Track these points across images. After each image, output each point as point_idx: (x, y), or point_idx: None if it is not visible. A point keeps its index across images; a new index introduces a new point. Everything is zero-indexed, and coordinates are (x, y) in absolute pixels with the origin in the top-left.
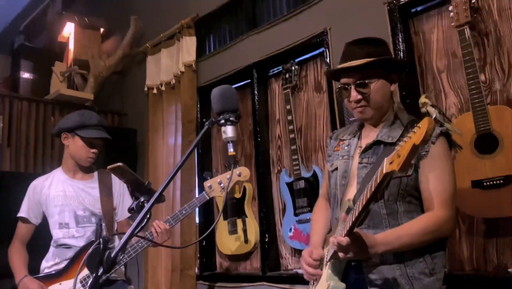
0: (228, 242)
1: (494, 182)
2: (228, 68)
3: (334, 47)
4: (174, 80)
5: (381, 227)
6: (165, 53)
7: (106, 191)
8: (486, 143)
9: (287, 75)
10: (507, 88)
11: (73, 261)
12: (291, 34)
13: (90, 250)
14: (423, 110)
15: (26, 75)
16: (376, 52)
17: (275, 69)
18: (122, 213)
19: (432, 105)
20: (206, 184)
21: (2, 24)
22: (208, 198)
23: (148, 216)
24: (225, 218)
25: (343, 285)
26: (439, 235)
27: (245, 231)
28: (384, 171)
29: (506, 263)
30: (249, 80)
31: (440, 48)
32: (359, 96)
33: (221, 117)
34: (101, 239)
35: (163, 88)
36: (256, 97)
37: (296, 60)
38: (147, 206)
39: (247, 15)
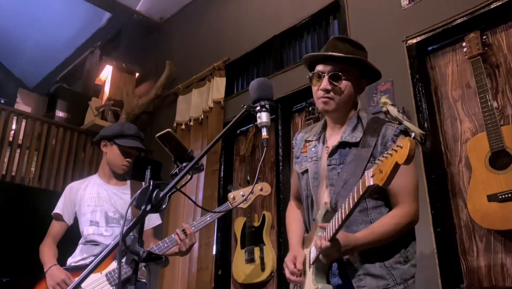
0: (244, 270)
1: (509, 194)
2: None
3: None
4: (202, 116)
5: (356, 224)
6: (196, 92)
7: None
8: (500, 159)
9: (310, 108)
10: None
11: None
12: None
13: (140, 190)
14: (384, 109)
15: (61, 114)
16: (357, 54)
17: (298, 105)
18: (148, 223)
19: (392, 104)
20: (230, 195)
21: (42, 74)
22: (231, 207)
23: (189, 177)
24: (242, 247)
25: (330, 287)
26: (410, 227)
27: (262, 258)
28: (367, 184)
29: None
30: (274, 115)
31: (455, 80)
32: (329, 87)
33: (257, 104)
34: (151, 181)
35: (191, 123)
36: (280, 131)
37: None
38: (188, 166)
39: (274, 58)
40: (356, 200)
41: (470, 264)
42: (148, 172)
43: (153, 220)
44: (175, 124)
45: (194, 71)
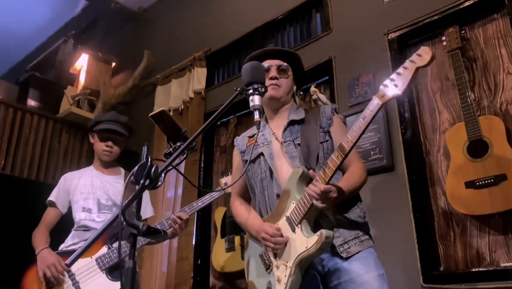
0: (224, 259)
1: (486, 181)
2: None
3: (338, 73)
4: (182, 106)
5: None
6: (176, 83)
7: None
8: (477, 148)
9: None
10: (494, 104)
11: (92, 241)
12: None
13: (137, 165)
14: (314, 96)
15: (33, 103)
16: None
17: None
18: (145, 213)
19: (321, 92)
20: (222, 180)
21: (11, 63)
22: (223, 193)
23: (184, 155)
24: (222, 236)
25: (331, 231)
26: (366, 180)
27: (242, 247)
28: (380, 102)
29: (498, 261)
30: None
31: (434, 73)
32: (278, 75)
33: (250, 87)
34: (149, 157)
35: (170, 114)
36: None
37: (302, 87)
38: (183, 145)
39: (256, 50)
40: (366, 124)
41: (447, 249)
42: (144, 148)
43: (148, 212)
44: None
45: (174, 61)
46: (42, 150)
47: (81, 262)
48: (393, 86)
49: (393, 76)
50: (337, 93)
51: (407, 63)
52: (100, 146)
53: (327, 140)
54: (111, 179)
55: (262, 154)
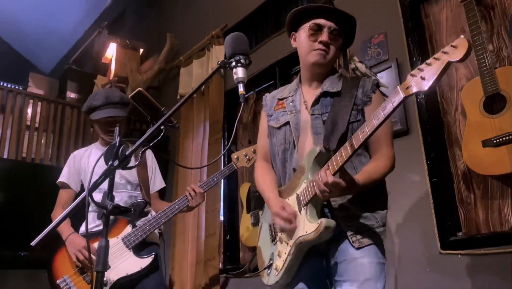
0: (250, 234)
1: (504, 138)
2: (253, 70)
3: None
4: (204, 86)
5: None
6: (197, 63)
7: (141, 163)
8: (495, 103)
9: None
10: None
11: (114, 221)
12: None
13: (107, 147)
14: (352, 66)
15: (72, 95)
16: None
17: (297, 67)
18: (153, 186)
19: (360, 61)
20: (234, 156)
21: (56, 59)
22: (236, 168)
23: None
24: (248, 212)
25: (333, 221)
26: (391, 171)
27: None
28: (403, 95)
29: None
30: (273, 81)
31: (450, 26)
32: (329, 40)
33: (232, 59)
34: (118, 139)
35: (194, 95)
36: None
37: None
38: (159, 121)
39: (271, 21)
40: (385, 117)
41: (467, 212)
42: (116, 130)
43: (157, 184)
44: (178, 97)
45: (195, 41)
46: (83, 139)
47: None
48: (419, 79)
49: (423, 66)
50: (349, 57)
51: (439, 54)
52: (102, 132)
53: (359, 120)
54: None
55: (288, 123)
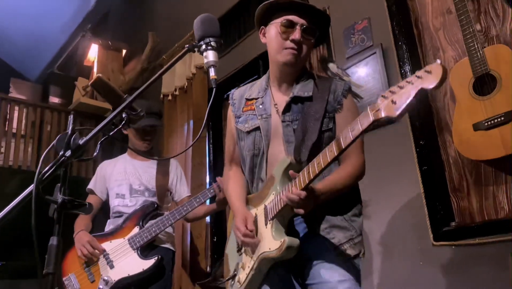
0: None
1: (496, 120)
2: (236, 65)
3: (333, 25)
4: (187, 84)
5: None
6: (179, 61)
7: (162, 171)
8: (484, 84)
9: None
10: (504, 31)
11: (123, 223)
12: None
13: (59, 136)
14: (324, 65)
15: (56, 100)
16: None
17: None
18: (181, 193)
19: (331, 61)
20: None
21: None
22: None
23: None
24: None
25: (297, 240)
26: (360, 178)
27: None
28: (372, 118)
29: None
30: (257, 76)
31: (435, 7)
32: (301, 39)
33: (202, 42)
34: (71, 126)
35: (177, 93)
36: None
37: None
38: (119, 108)
39: (253, 14)
40: (353, 139)
41: (460, 201)
42: (70, 118)
43: (183, 192)
44: (161, 96)
45: (177, 39)
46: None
47: (114, 242)
48: (390, 102)
49: (395, 88)
50: (333, 46)
51: (412, 77)
52: (137, 141)
53: (330, 128)
54: (144, 164)
55: (258, 128)
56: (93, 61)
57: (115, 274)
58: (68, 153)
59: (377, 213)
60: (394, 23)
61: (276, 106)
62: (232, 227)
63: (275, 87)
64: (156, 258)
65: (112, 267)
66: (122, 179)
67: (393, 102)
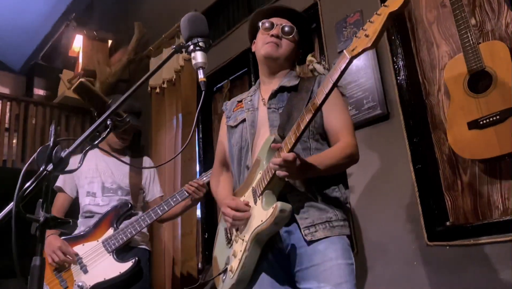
0: None
1: (491, 118)
2: (226, 57)
3: (324, 18)
4: (175, 76)
5: None
6: (166, 52)
7: (135, 169)
8: (480, 81)
9: None
10: (499, 26)
11: (96, 225)
12: None
13: (39, 149)
14: (310, 67)
15: (41, 92)
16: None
17: None
18: (154, 193)
19: (318, 62)
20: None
21: (25, 56)
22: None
23: (107, 130)
24: None
25: (289, 205)
26: (352, 159)
27: None
28: (349, 56)
29: None
30: (246, 68)
31: (429, 1)
32: (280, 34)
33: (190, 42)
34: (52, 139)
35: (165, 85)
36: (253, 82)
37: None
38: (104, 115)
39: (242, 5)
40: (333, 82)
41: (455, 200)
42: (52, 128)
43: (156, 192)
44: (149, 89)
45: (164, 30)
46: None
47: (88, 245)
48: (364, 37)
49: (366, 25)
50: (325, 39)
51: (380, 9)
52: (114, 139)
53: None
54: (116, 161)
55: (244, 120)
56: (78, 52)
57: (90, 279)
58: (50, 167)
59: (371, 212)
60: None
61: (263, 100)
62: (219, 225)
63: (263, 87)
64: (133, 260)
65: (86, 271)
66: (94, 177)
67: (366, 36)
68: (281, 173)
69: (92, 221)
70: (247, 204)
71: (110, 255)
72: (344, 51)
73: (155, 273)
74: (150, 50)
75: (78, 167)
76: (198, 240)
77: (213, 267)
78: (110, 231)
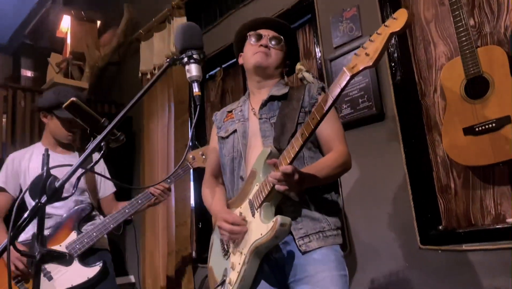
0: None
1: (487, 126)
2: (219, 44)
3: (320, 12)
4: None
5: None
6: (157, 37)
7: (86, 166)
8: (477, 87)
9: None
10: (497, 29)
11: (57, 228)
12: (280, 2)
13: (33, 179)
14: (300, 75)
15: (28, 73)
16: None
17: None
18: (105, 190)
19: (307, 71)
20: (189, 155)
21: (9, 33)
22: (191, 168)
23: (102, 152)
24: None
25: (289, 218)
26: (346, 167)
27: None
28: (349, 74)
29: (504, 214)
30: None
31: None
32: (269, 44)
33: (183, 54)
34: (46, 168)
35: (156, 71)
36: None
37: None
38: (98, 137)
39: None
40: (334, 99)
41: (448, 203)
42: (44, 157)
43: (108, 188)
44: (140, 75)
45: (155, 13)
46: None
47: None
48: (364, 56)
49: (366, 43)
50: (320, 34)
51: (381, 29)
52: (62, 132)
53: None
54: (66, 158)
55: (236, 131)
56: (66, 33)
57: (56, 287)
58: (44, 199)
59: (364, 214)
60: (384, 13)
61: (253, 109)
62: (213, 235)
63: (253, 97)
64: (100, 264)
65: (50, 279)
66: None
67: (367, 54)
68: (281, 187)
69: (50, 222)
70: (243, 219)
71: (75, 260)
72: (344, 68)
73: (150, 263)
74: (140, 34)
75: (72, 193)
76: (192, 230)
77: (209, 277)
78: (74, 235)
